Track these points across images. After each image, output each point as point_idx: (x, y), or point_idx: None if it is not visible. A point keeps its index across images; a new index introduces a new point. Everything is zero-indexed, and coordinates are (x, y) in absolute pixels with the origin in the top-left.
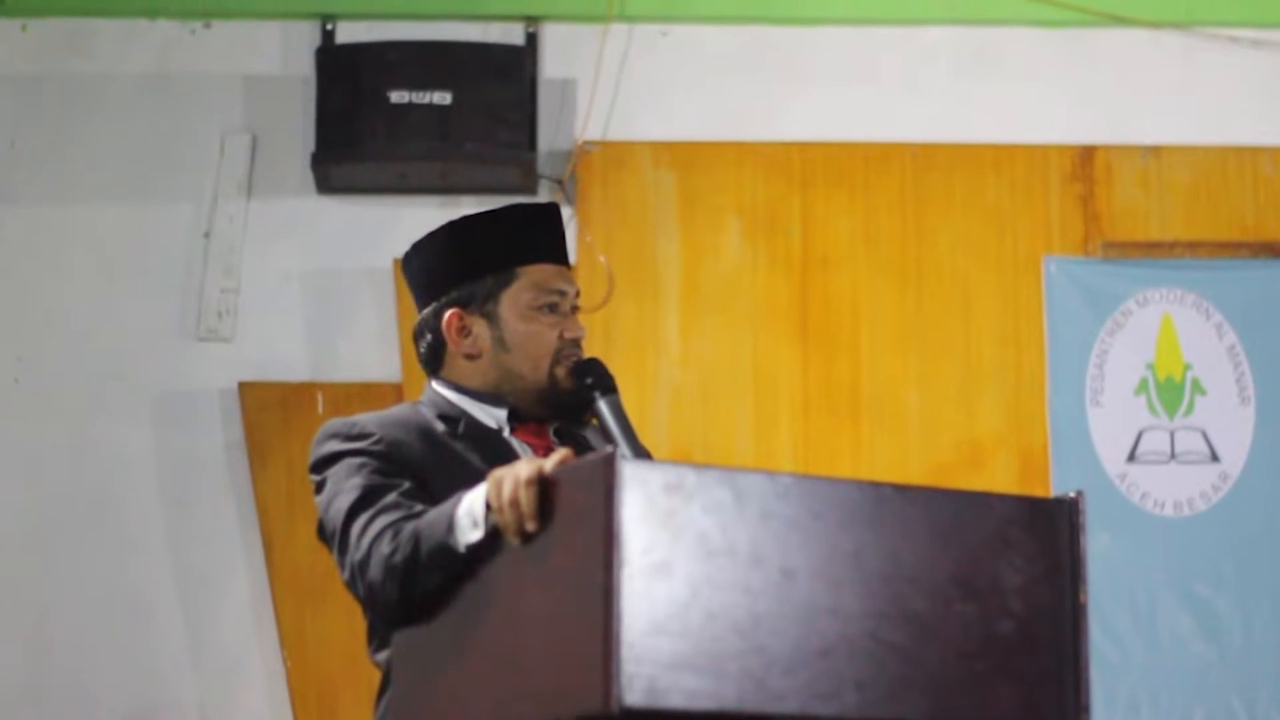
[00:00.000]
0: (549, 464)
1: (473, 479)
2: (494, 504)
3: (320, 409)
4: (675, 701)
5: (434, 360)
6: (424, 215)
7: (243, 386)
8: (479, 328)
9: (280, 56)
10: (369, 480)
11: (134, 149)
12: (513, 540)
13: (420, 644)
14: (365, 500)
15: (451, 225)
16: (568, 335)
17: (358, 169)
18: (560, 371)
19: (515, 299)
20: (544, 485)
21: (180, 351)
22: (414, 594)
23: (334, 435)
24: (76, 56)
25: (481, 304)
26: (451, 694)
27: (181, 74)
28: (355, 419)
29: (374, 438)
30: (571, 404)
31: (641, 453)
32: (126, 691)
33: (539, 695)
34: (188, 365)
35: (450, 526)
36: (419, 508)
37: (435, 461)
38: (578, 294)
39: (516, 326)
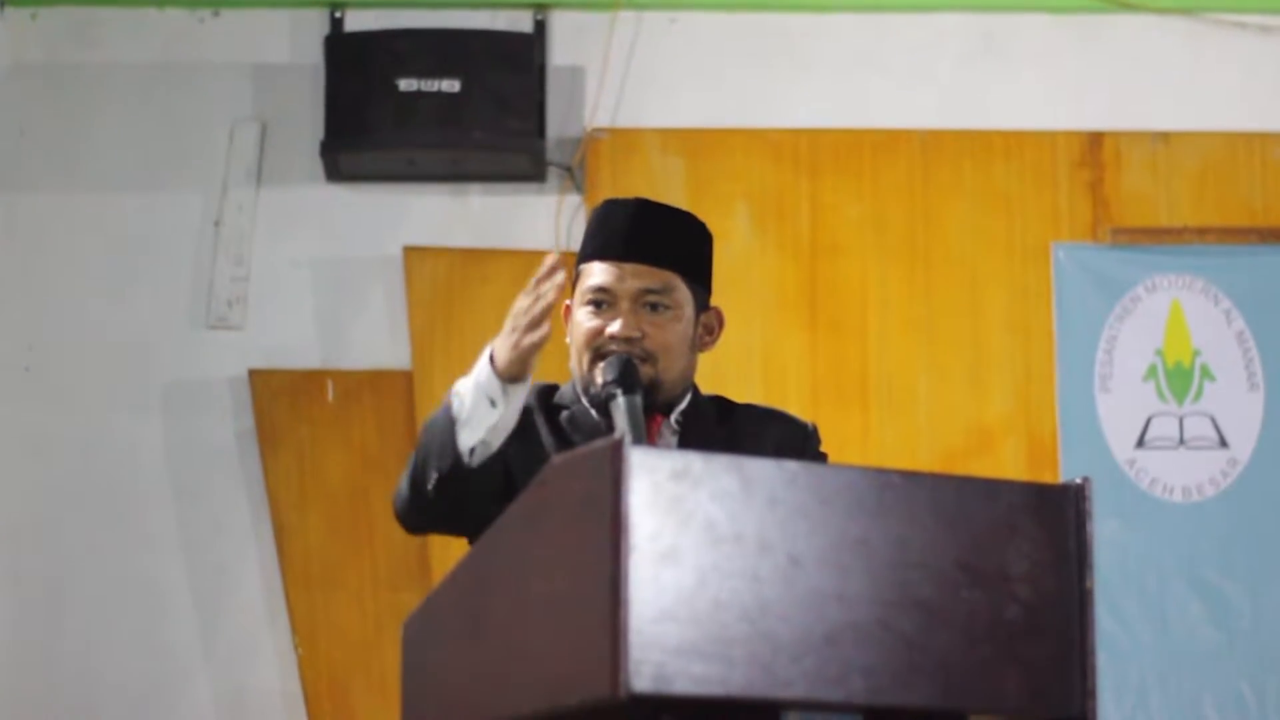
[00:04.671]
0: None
1: (538, 459)
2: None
3: (330, 396)
4: (683, 688)
5: None
6: (433, 203)
7: (253, 374)
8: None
9: (289, 45)
10: None
11: (143, 138)
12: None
13: (428, 632)
14: None
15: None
16: (609, 331)
17: (367, 157)
18: (596, 367)
19: (579, 295)
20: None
21: (190, 340)
22: (428, 488)
23: None
24: (85, 46)
25: (574, 296)
26: (459, 681)
27: (190, 63)
28: None
29: None
30: (601, 401)
31: None
32: (138, 680)
33: (547, 682)
34: (198, 353)
35: (452, 419)
36: None
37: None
38: (645, 291)
39: (575, 322)
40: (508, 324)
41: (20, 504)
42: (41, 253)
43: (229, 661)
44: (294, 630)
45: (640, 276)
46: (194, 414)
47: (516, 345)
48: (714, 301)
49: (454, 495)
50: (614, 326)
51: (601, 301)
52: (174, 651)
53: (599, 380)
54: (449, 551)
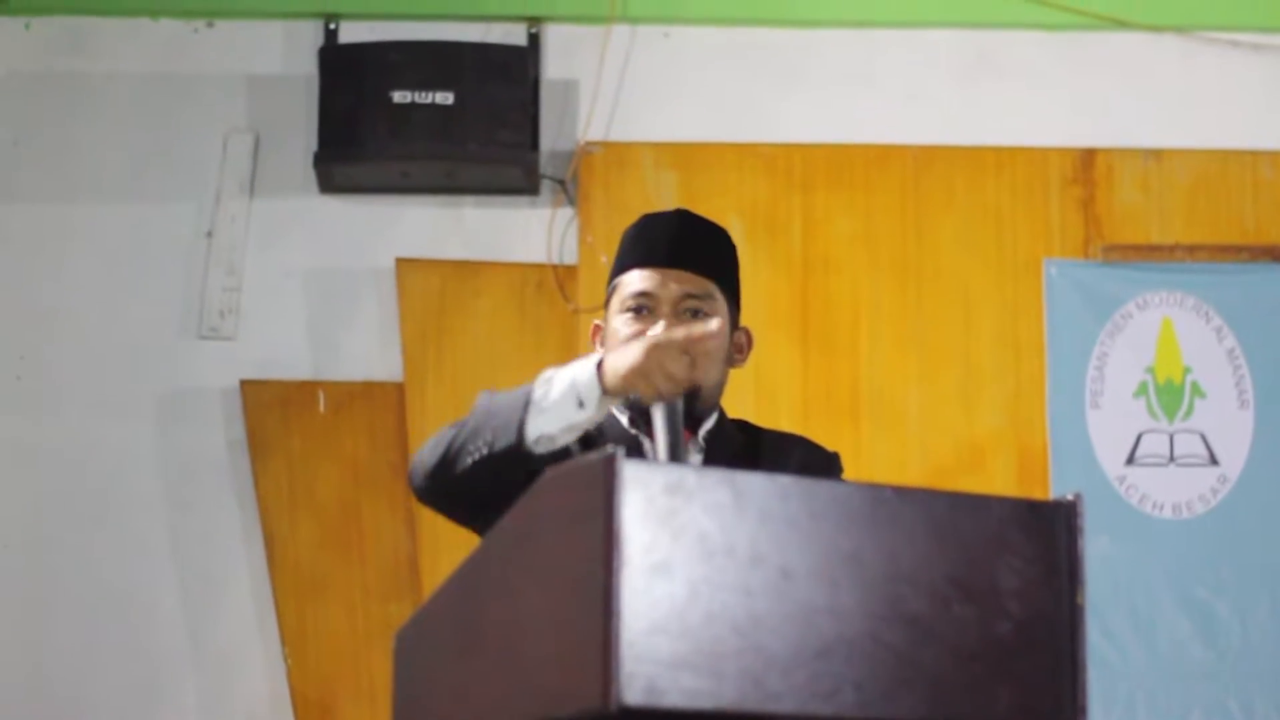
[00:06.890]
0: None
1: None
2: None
3: (322, 407)
4: (674, 701)
5: None
6: (426, 215)
7: (244, 385)
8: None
9: (283, 56)
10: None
11: (137, 148)
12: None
13: (419, 643)
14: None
15: None
16: (650, 334)
17: (360, 168)
18: None
19: (615, 306)
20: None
21: (182, 350)
22: (455, 470)
23: None
24: (79, 55)
25: (605, 314)
26: (451, 693)
27: (184, 73)
28: None
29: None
30: (642, 405)
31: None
32: (127, 688)
33: (538, 693)
34: (190, 363)
35: (527, 402)
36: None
37: None
38: (687, 295)
39: (612, 330)
40: (646, 354)
41: (11, 512)
42: (34, 262)
43: (218, 670)
44: (283, 640)
45: (682, 282)
46: (185, 424)
47: (651, 386)
48: None
49: (490, 475)
50: (655, 329)
51: (642, 307)
52: (163, 660)
53: None
54: (439, 563)
